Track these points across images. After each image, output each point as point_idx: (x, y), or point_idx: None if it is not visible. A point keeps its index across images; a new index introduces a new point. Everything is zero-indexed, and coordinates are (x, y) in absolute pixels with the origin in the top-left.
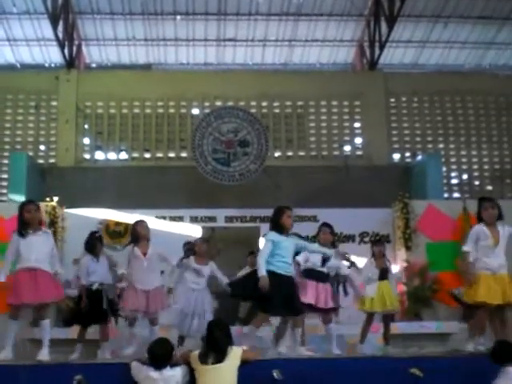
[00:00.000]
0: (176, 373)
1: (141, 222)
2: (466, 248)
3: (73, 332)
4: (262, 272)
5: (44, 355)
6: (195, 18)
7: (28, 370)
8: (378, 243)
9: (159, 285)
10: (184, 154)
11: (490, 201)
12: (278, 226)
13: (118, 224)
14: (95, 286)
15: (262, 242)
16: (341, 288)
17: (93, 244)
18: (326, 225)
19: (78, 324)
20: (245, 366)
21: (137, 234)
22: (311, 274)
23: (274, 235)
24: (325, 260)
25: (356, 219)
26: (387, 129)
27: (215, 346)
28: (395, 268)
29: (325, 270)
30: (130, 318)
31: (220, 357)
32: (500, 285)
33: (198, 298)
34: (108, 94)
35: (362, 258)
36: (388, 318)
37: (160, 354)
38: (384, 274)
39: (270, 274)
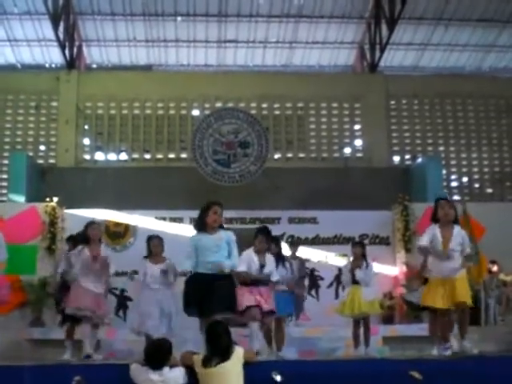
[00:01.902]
0: (176, 374)
1: (91, 225)
2: (422, 243)
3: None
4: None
5: None
6: (196, 20)
7: (27, 371)
8: (354, 245)
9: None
10: (184, 155)
11: (448, 201)
12: (199, 223)
13: (117, 225)
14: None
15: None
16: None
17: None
18: (261, 232)
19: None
20: (245, 367)
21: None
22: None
23: (192, 238)
24: (262, 266)
25: (356, 221)
26: (387, 131)
27: (220, 348)
28: (395, 270)
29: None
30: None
31: (224, 357)
32: (448, 289)
33: (162, 299)
34: (108, 95)
35: None
36: (366, 320)
37: (155, 354)
38: (353, 277)
39: (193, 274)
